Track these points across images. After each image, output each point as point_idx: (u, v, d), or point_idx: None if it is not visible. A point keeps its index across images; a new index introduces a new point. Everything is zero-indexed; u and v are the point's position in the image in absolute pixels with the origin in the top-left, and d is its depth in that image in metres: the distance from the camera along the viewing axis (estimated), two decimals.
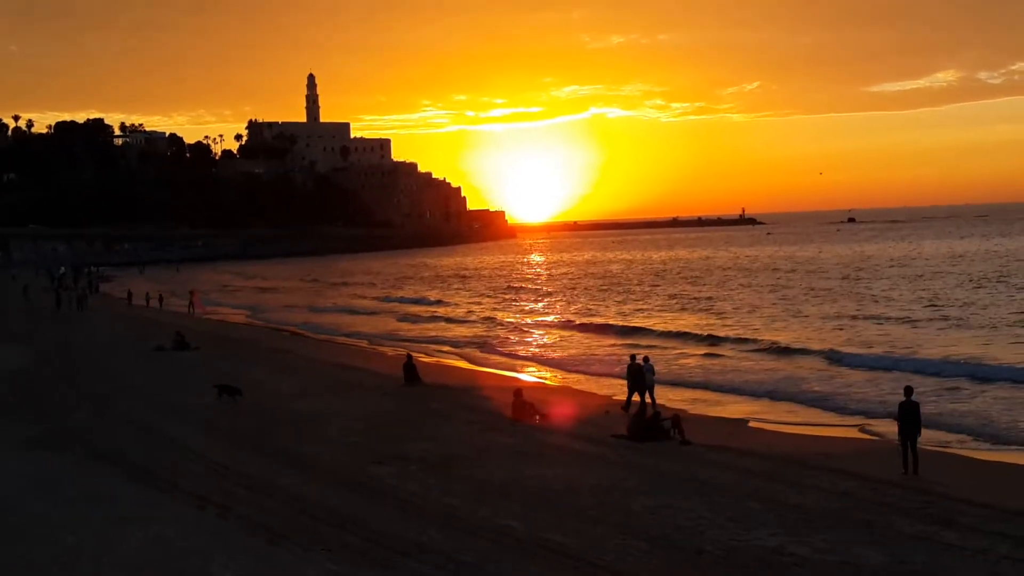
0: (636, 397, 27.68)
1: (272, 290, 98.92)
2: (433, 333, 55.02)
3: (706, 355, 41.34)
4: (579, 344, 47.90)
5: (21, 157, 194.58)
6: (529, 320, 62.21)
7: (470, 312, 68.27)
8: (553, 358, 43.07)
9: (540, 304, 75.24)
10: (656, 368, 29.03)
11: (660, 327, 52.50)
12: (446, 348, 47.73)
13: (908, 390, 20.34)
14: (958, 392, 30.15)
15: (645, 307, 66.54)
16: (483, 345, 48.39)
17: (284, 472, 19.81)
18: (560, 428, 24.92)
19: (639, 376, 27.62)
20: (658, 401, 27.62)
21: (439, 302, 77.54)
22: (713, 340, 45.63)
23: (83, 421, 26.00)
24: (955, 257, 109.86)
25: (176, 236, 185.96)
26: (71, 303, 67.13)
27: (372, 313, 69.38)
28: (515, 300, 79.57)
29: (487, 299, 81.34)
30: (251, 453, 21.85)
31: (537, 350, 46.45)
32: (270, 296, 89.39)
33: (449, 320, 63.05)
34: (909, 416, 19.74)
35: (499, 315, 65.47)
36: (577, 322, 58.08)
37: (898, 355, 38.24)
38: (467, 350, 46.81)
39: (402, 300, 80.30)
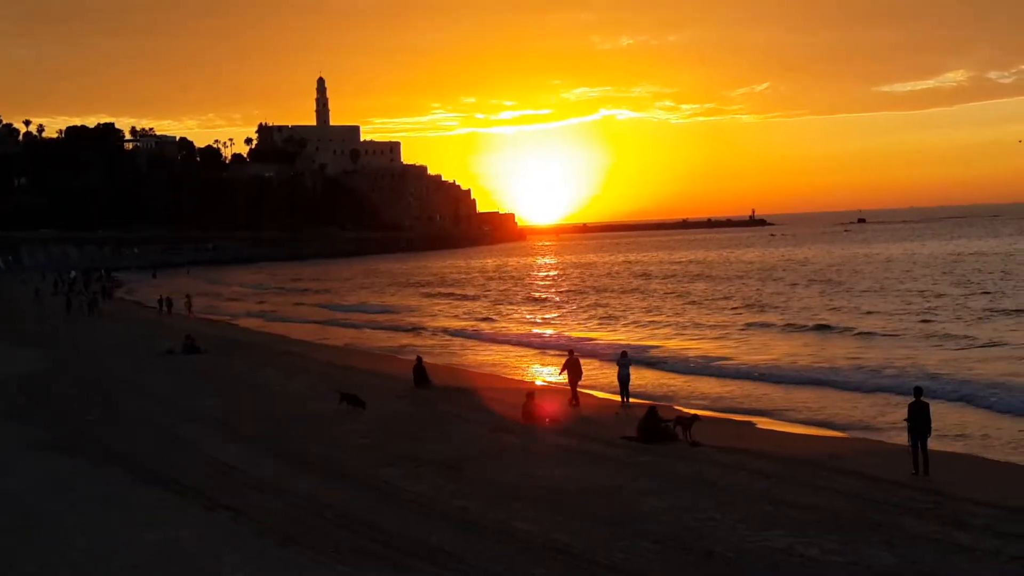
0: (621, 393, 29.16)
1: (233, 299, 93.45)
2: (352, 341, 53.35)
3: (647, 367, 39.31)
4: (489, 352, 47.31)
5: (32, 162, 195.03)
6: (466, 329, 58.98)
7: (397, 319, 66.64)
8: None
9: (475, 311, 72.72)
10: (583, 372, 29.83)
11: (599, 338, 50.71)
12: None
13: (918, 390, 20.30)
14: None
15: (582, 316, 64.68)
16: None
17: (295, 474, 19.89)
18: (570, 430, 24.94)
19: (575, 369, 29.15)
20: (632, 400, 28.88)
21: (387, 310, 74.87)
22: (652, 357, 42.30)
23: (94, 424, 26.10)
24: (960, 259, 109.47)
25: (186, 240, 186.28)
26: (82, 307, 67.27)
27: (311, 321, 66.64)
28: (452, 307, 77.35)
29: (434, 305, 79.54)
30: (262, 455, 21.93)
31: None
32: (223, 304, 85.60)
33: (374, 327, 61.37)
34: (919, 416, 19.69)
35: (428, 323, 63.44)
36: (490, 332, 57.05)
37: (817, 366, 37.24)
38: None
39: (343, 308, 77.08)
